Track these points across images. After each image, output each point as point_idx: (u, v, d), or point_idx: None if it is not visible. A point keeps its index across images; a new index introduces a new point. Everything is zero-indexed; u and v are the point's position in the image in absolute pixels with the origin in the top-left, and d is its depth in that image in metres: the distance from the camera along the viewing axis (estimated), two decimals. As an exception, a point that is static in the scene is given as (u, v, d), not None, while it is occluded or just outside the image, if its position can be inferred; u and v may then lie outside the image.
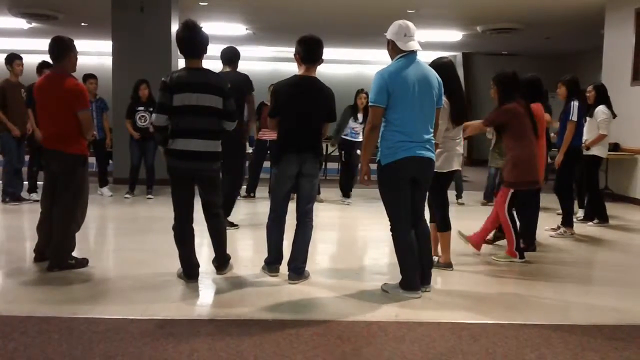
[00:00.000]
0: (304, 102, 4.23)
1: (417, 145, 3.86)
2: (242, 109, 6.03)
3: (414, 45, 3.89)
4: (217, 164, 4.29)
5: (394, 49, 3.95)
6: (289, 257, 4.35)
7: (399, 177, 3.89)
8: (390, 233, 4.03)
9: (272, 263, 4.44)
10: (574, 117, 6.17)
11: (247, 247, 5.67)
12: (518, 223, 5.11)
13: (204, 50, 4.20)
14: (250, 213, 6.46)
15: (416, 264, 4.01)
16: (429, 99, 3.90)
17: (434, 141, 4.01)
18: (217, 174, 4.36)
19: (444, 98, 4.17)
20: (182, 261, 4.28)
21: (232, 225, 6.13)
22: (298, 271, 4.32)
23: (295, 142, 4.24)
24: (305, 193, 4.33)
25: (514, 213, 5.05)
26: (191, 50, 4.18)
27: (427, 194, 4.26)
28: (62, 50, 4.51)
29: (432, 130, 3.98)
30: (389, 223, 4.04)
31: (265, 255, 4.48)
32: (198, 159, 4.14)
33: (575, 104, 6.17)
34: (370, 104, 3.89)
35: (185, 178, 4.20)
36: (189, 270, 4.26)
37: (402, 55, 3.91)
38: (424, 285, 4.10)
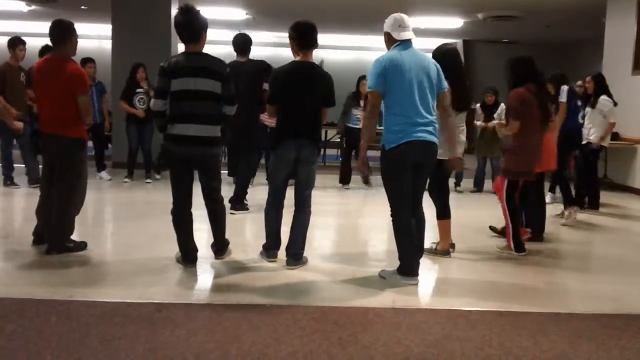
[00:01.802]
0: (304, 87, 4.22)
1: (419, 128, 3.87)
2: (259, 96, 5.99)
3: (407, 34, 3.98)
4: (217, 149, 4.28)
5: (389, 40, 4.04)
6: (287, 243, 4.35)
7: (401, 162, 3.90)
8: (391, 218, 4.04)
9: (270, 249, 4.44)
10: (563, 98, 6.46)
11: (246, 232, 5.68)
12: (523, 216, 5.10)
13: (201, 34, 4.16)
14: (249, 199, 6.46)
15: (415, 250, 4.03)
16: (427, 82, 3.94)
17: (437, 125, 4.01)
18: (217, 158, 4.35)
19: (445, 84, 4.18)
20: (181, 246, 4.28)
21: (245, 208, 6.29)
22: (296, 257, 4.33)
23: (294, 127, 4.23)
24: (303, 179, 4.32)
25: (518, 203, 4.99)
26: (188, 34, 4.15)
27: (428, 180, 4.26)
28: (63, 33, 4.47)
29: (434, 113, 4.00)
30: (387, 210, 4.04)
31: (264, 241, 4.48)
32: (197, 143, 4.12)
33: (564, 87, 6.39)
34: (368, 89, 3.95)
35: (184, 163, 4.19)
36: (188, 255, 4.27)
37: (397, 43, 3.99)
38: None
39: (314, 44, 4.27)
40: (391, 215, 4.03)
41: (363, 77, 8.36)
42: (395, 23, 3.99)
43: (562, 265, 4.80)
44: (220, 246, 4.45)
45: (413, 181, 3.96)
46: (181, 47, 4.35)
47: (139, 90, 8.24)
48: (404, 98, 3.87)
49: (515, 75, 4.85)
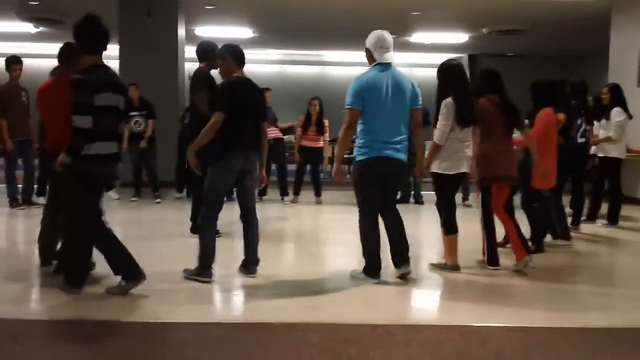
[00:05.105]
0: (252, 100, 4.40)
1: (387, 145, 4.19)
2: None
3: (388, 57, 4.26)
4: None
5: (371, 58, 4.30)
6: (247, 254, 4.45)
7: (368, 174, 4.26)
8: (358, 221, 4.36)
9: (209, 267, 4.31)
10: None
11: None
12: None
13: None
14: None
15: (376, 252, 4.32)
16: (401, 103, 4.24)
17: (406, 142, 4.31)
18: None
19: (448, 99, 4.46)
20: (128, 264, 3.99)
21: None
22: (256, 264, 4.47)
23: (243, 137, 4.32)
24: (249, 189, 4.47)
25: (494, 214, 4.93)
26: (95, 43, 3.97)
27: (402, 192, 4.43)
28: (71, 54, 4.51)
29: (405, 131, 4.30)
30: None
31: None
32: (117, 161, 4.08)
33: (573, 103, 6.22)
34: (347, 106, 4.20)
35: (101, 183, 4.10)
36: (138, 271, 3.96)
37: (377, 63, 4.25)
38: (403, 266, 4.35)
39: (245, 62, 4.49)
40: (359, 220, 4.36)
41: (314, 98, 8.55)
42: (377, 43, 4.25)
43: (572, 279, 4.75)
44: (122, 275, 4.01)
45: (382, 190, 4.32)
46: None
47: (132, 113, 8.30)
48: (377, 119, 4.17)
49: (479, 86, 4.93)
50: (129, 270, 3.96)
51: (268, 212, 7.87)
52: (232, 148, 4.28)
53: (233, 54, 4.45)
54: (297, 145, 8.73)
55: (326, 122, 8.68)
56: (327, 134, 8.74)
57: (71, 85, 3.86)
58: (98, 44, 3.96)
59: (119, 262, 3.97)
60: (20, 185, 7.76)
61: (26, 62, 7.82)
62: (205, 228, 4.34)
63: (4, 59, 7.55)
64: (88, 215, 3.96)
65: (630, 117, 6.84)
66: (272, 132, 8.45)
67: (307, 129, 8.57)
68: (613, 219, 7.01)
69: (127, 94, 4.19)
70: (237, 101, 4.29)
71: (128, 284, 3.95)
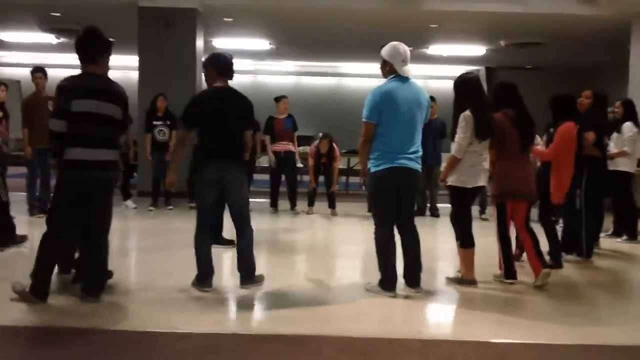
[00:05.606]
0: (234, 111, 4.36)
1: (402, 156, 4.20)
2: None
3: (407, 70, 4.27)
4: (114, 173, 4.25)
5: (390, 70, 4.28)
6: (239, 264, 4.37)
7: (383, 185, 4.25)
8: (374, 233, 4.34)
9: (205, 278, 4.33)
10: None
11: (264, 263, 5.66)
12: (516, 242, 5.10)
13: (98, 57, 4.13)
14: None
15: (392, 265, 4.28)
16: (418, 117, 4.27)
17: (420, 153, 4.32)
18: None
19: (467, 112, 4.47)
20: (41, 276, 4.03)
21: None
22: (250, 276, 4.38)
23: (219, 150, 4.31)
24: (234, 201, 4.40)
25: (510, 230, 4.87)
26: (86, 54, 4.12)
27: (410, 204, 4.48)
28: None
29: (419, 143, 4.32)
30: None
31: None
32: (100, 167, 4.06)
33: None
34: (363, 119, 4.23)
35: (83, 189, 4.04)
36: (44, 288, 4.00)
37: (395, 76, 4.25)
38: (413, 288, 4.31)
39: (233, 74, 4.47)
40: (374, 232, 4.33)
41: (324, 137, 8.58)
42: (398, 56, 4.23)
43: (591, 295, 4.69)
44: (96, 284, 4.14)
45: (398, 201, 4.27)
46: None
47: (156, 122, 8.39)
48: (393, 131, 4.18)
49: (495, 99, 4.87)
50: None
51: (282, 223, 7.89)
52: (205, 160, 4.31)
53: (215, 65, 4.42)
54: (311, 172, 8.70)
55: (337, 153, 8.72)
56: (338, 162, 8.81)
57: (55, 91, 4.04)
58: (94, 54, 4.10)
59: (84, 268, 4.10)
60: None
61: (50, 72, 7.93)
62: (197, 239, 4.36)
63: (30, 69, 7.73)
64: (59, 217, 4.10)
65: None
66: (284, 145, 8.50)
67: (319, 159, 8.68)
68: (631, 234, 6.93)
69: (125, 104, 4.17)
70: (205, 115, 4.29)
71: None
